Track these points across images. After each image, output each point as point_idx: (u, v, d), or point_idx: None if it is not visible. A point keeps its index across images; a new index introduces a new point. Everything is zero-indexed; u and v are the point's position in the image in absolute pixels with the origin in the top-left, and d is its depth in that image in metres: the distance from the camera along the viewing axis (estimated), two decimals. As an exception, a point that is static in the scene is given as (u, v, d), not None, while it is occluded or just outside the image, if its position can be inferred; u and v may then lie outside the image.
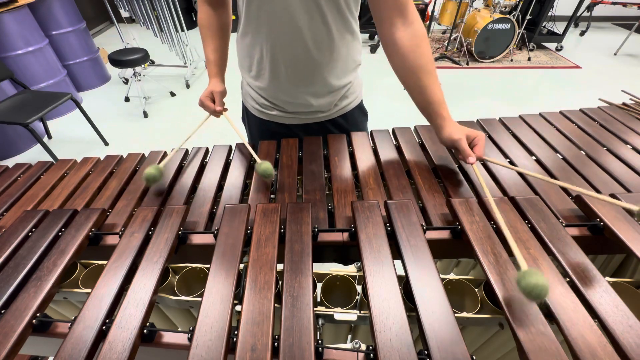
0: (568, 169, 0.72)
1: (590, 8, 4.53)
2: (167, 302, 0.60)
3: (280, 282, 0.52)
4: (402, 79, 0.71)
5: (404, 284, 0.48)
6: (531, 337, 0.38)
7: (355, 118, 0.96)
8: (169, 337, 0.45)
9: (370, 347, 0.41)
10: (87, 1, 4.77)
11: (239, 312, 0.43)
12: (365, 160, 0.77)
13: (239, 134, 0.83)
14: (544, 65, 3.74)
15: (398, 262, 0.50)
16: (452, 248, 0.58)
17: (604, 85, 3.29)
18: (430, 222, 0.60)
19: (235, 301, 0.45)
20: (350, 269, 0.64)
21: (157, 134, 2.72)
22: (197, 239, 0.60)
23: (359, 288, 0.61)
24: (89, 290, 0.61)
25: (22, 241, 0.59)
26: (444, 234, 0.57)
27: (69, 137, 2.72)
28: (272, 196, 0.71)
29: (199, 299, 0.49)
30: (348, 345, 0.44)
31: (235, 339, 0.40)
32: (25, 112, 2.10)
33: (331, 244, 0.58)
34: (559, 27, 4.16)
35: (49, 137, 2.71)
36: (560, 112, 0.95)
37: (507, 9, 3.78)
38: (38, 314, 0.47)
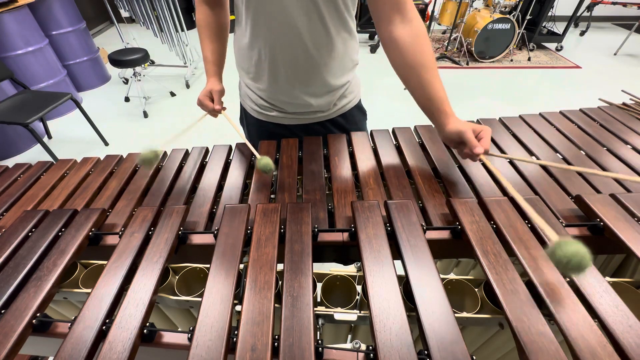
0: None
1: (590, 8, 4.53)
2: (167, 302, 0.60)
3: (280, 282, 0.52)
4: (403, 77, 0.70)
5: (404, 284, 0.48)
6: (531, 337, 0.38)
7: (355, 117, 0.96)
8: (169, 337, 0.45)
9: (370, 347, 0.41)
10: (87, 1, 4.77)
11: (239, 312, 0.43)
12: (365, 160, 0.77)
13: (239, 132, 0.83)
14: (544, 65, 3.74)
15: (398, 262, 0.50)
16: (452, 248, 0.58)
17: (604, 85, 3.29)
18: (430, 222, 0.60)
19: (235, 301, 0.45)
20: (350, 269, 0.64)
21: (157, 134, 2.72)
22: (197, 239, 0.60)
23: (359, 288, 0.61)
24: (89, 290, 0.61)
25: (22, 241, 0.59)
26: (444, 234, 0.57)
27: (69, 137, 2.72)
28: (272, 196, 0.71)
29: (199, 299, 0.49)
30: (348, 345, 0.44)
31: (235, 339, 0.40)
32: (25, 112, 2.10)
33: (331, 244, 0.58)
34: (559, 27, 4.16)
35: (49, 137, 2.71)
36: (560, 112, 0.95)
37: (507, 9, 3.78)
38: (38, 314, 0.47)
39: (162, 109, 3.06)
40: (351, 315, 0.55)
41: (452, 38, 3.91)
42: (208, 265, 0.52)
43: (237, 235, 0.55)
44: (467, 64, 3.72)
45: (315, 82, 0.82)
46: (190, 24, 4.72)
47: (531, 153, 0.78)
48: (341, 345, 0.45)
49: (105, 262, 0.52)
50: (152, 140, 2.63)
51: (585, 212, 0.59)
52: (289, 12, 0.69)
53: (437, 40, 4.46)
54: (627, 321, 0.40)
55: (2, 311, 0.47)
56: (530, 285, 0.45)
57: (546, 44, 4.27)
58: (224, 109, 0.85)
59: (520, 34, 3.82)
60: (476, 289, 0.59)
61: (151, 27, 3.38)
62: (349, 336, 0.71)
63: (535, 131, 0.86)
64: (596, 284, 0.44)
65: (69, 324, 0.44)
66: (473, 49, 3.68)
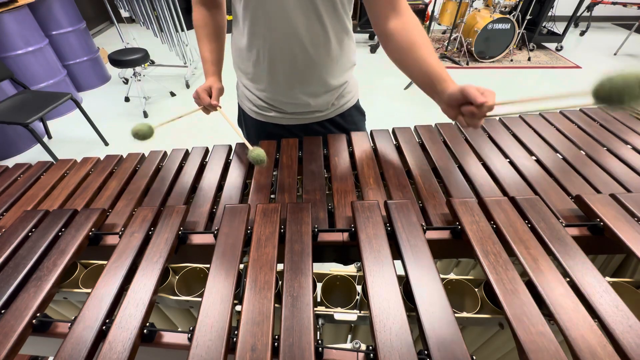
0: (568, 169, 0.72)
1: (590, 8, 4.53)
2: (167, 302, 0.60)
3: (280, 282, 0.52)
4: (400, 61, 0.70)
5: (404, 284, 0.48)
6: (531, 337, 0.38)
7: (353, 117, 0.97)
8: (169, 337, 0.45)
9: (370, 347, 0.41)
10: (87, 1, 4.77)
11: (239, 312, 0.43)
12: (365, 160, 0.77)
13: (234, 128, 0.83)
14: (544, 65, 3.73)
15: (398, 262, 0.50)
16: (452, 248, 0.58)
17: (604, 85, 3.29)
18: (430, 222, 0.60)
19: (235, 301, 0.45)
20: (350, 269, 0.64)
21: (157, 134, 2.71)
22: (197, 239, 0.60)
23: (359, 288, 0.61)
24: (89, 290, 0.61)
25: (22, 241, 0.59)
26: (444, 234, 0.57)
27: (69, 137, 2.72)
28: (272, 196, 0.71)
29: (199, 299, 0.49)
30: (348, 345, 0.44)
31: (235, 339, 0.40)
32: (25, 112, 2.10)
33: (331, 244, 0.58)
34: (559, 27, 4.16)
35: (49, 137, 2.71)
36: (560, 112, 0.95)
37: (507, 9, 3.78)
38: (38, 314, 0.47)
39: (162, 109, 3.06)
40: (351, 315, 0.54)
41: (452, 38, 3.90)
42: (208, 265, 0.52)
43: (237, 235, 0.55)
44: (467, 64, 3.72)
45: (313, 82, 0.82)
46: (190, 24, 4.69)
47: (531, 153, 0.78)
48: (341, 345, 0.45)
49: (105, 262, 0.52)
50: (152, 140, 2.63)
51: (585, 212, 0.59)
52: (288, 11, 0.69)
53: (437, 40, 4.46)
54: (627, 321, 0.40)
55: (2, 311, 0.47)
56: (530, 285, 0.45)
57: (546, 44, 4.27)
58: (220, 107, 0.84)
59: (520, 34, 3.82)
60: (476, 289, 0.59)
61: (151, 27, 3.38)
62: (349, 336, 0.71)
63: (535, 131, 0.86)
64: (596, 284, 0.44)
65: (69, 324, 0.44)
66: (473, 49, 3.68)
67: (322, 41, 0.75)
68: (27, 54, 2.60)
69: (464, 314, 0.54)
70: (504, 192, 0.67)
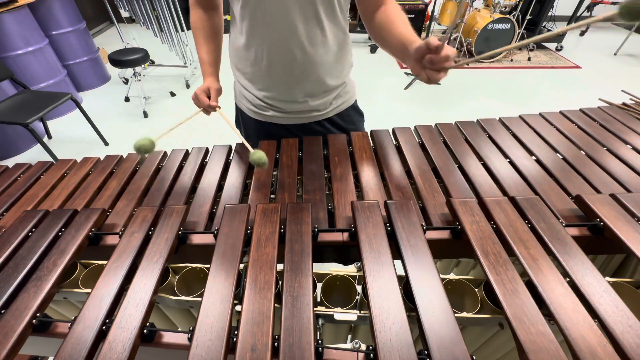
0: (568, 169, 0.72)
1: (590, 8, 4.53)
2: (167, 302, 0.60)
3: (280, 282, 0.52)
4: (381, 38, 0.76)
5: (404, 284, 0.48)
6: (531, 337, 0.38)
7: (351, 117, 0.97)
8: (169, 337, 0.45)
9: (370, 347, 0.41)
10: (87, 1, 4.77)
11: (239, 312, 0.43)
12: (365, 160, 0.77)
13: (234, 128, 0.83)
14: (544, 65, 3.73)
15: (398, 262, 0.50)
16: (452, 248, 0.58)
17: (604, 85, 3.29)
18: (430, 222, 0.60)
19: (235, 301, 0.45)
20: (350, 269, 0.64)
21: (157, 134, 2.72)
22: (197, 239, 0.60)
23: (359, 288, 0.61)
24: (89, 290, 0.61)
25: (22, 241, 0.59)
26: (444, 234, 0.57)
27: (69, 137, 2.72)
28: (272, 196, 0.71)
29: (199, 299, 0.49)
30: (348, 345, 0.44)
31: (235, 339, 0.40)
32: (25, 112, 2.10)
33: (331, 244, 0.58)
34: (559, 27, 4.16)
35: (49, 137, 2.71)
36: (560, 112, 0.95)
37: (507, 9, 3.78)
38: (38, 314, 0.47)
39: (162, 109, 3.06)
40: (351, 315, 0.54)
41: (452, 38, 3.90)
42: (208, 265, 0.52)
43: (237, 235, 0.55)
44: (467, 64, 3.72)
45: (312, 82, 0.82)
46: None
47: (531, 153, 0.78)
48: (341, 345, 0.45)
49: (105, 262, 0.52)
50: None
51: (585, 212, 0.59)
52: (287, 11, 0.69)
53: (437, 40, 4.45)
54: (627, 321, 0.40)
55: (2, 311, 0.47)
56: (530, 285, 0.45)
57: (546, 44, 4.27)
58: (219, 107, 0.85)
59: (520, 34, 3.82)
60: (476, 289, 0.59)
61: (151, 27, 3.38)
62: (349, 336, 0.71)
63: (535, 131, 0.86)
64: (596, 284, 0.44)
65: (69, 324, 0.44)
66: (473, 49, 3.68)
67: (320, 40, 0.76)
68: (27, 54, 2.60)
69: (464, 314, 0.54)
70: (504, 192, 0.67)
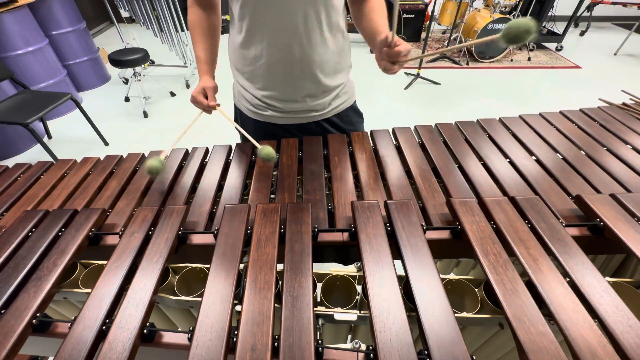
0: (568, 169, 0.72)
1: (590, 8, 4.53)
2: (167, 302, 0.60)
3: (280, 282, 0.52)
4: (359, 24, 0.82)
5: (404, 284, 0.48)
6: (531, 337, 0.38)
7: (350, 118, 0.97)
8: (169, 337, 0.45)
9: (370, 347, 0.41)
10: (87, 1, 4.77)
11: (239, 312, 0.43)
12: (365, 160, 0.77)
13: (235, 125, 0.83)
14: (544, 65, 3.73)
15: (398, 262, 0.50)
16: (452, 248, 0.58)
17: (604, 85, 3.29)
18: (430, 222, 0.60)
19: (235, 301, 0.45)
20: (350, 269, 0.64)
21: (157, 134, 2.71)
22: (197, 239, 0.60)
23: (359, 288, 0.61)
24: (89, 290, 0.61)
25: (22, 241, 0.59)
26: (444, 234, 0.57)
27: (69, 137, 2.72)
28: (272, 196, 0.71)
29: (199, 299, 0.49)
30: (348, 345, 0.44)
31: (235, 339, 0.40)
32: (25, 112, 2.10)
33: (331, 244, 0.58)
34: (559, 27, 4.16)
35: (49, 137, 2.71)
36: (560, 112, 0.95)
37: (507, 9, 3.78)
38: (38, 314, 0.47)
39: (162, 109, 3.06)
40: (351, 315, 0.54)
41: (452, 38, 3.90)
42: (208, 265, 0.52)
43: (237, 235, 0.55)
44: (467, 64, 3.72)
45: (311, 82, 0.82)
46: (190, 24, 4.71)
47: (531, 153, 0.78)
48: (341, 345, 0.45)
49: (105, 262, 0.52)
50: (152, 139, 2.63)
51: (585, 212, 0.59)
52: (287, 9, 0.70)
53: (437, 40, 4.46)
54: (627, 321, 0.40)
55: (2, 311, 0.47)
56: (530, 285, 0.45)
57: (546, 44, 4.26)
58: (218, 105, 0.85)
59: (520, 34, 3.81)
60: (476, 289, 0.59)
61: (151, 27, 3.38)
62: (349, 336, 0.71)
63: (535, 131, 0.86)
64: (596, 284, 0.44)
65: (69, 324, 0.44)
66: (473, 49, 3.68)
67: (319, 40, 0.76)
68: (27, 54, 2.60)
69: (464, 314, 0.54)
70: (504, 192, 0.67)
